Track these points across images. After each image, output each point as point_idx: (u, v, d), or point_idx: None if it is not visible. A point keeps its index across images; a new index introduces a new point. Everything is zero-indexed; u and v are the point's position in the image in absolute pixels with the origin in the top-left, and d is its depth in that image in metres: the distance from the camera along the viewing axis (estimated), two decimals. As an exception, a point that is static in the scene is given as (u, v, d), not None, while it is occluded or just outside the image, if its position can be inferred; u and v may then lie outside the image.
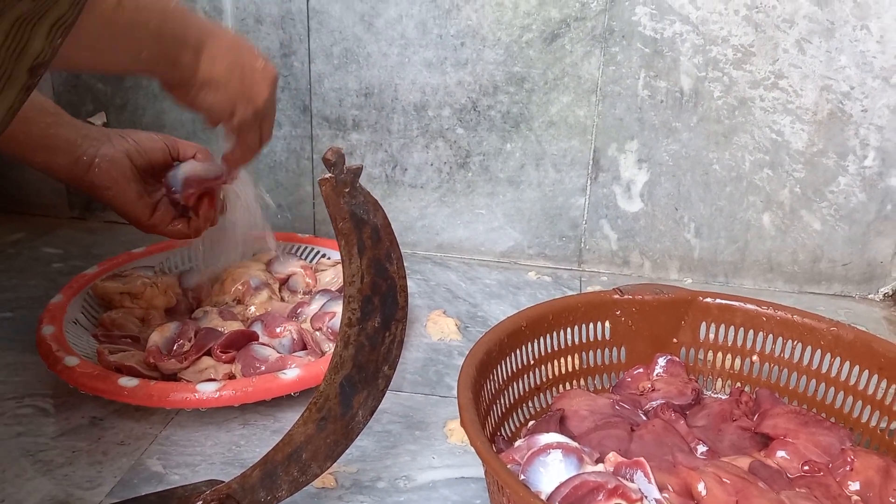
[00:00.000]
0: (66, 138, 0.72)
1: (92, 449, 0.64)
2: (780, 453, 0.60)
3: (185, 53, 0.60)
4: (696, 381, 0.70)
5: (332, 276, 0.88)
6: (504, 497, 0.47)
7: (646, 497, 0.50)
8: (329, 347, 0.76)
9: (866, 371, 0.64)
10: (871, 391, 0.63)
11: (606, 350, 0.70)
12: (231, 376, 0.70)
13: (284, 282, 0.88)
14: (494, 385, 0.61)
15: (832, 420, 0.64)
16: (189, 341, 0.73)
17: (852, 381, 0.65)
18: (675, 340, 0.71)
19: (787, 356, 0.68)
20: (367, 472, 0.63)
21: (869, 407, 0.64)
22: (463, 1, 0.93)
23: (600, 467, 0.53)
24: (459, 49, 0.95)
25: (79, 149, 0.72)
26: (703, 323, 0.71)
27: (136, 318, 0.79)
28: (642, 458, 0.52)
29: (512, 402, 0.64)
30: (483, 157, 0.99)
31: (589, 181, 0.98)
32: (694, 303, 0.70)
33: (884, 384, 0.63)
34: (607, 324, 0.70)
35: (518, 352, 0.64)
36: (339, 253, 0.52)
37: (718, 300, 0.70)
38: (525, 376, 0.65)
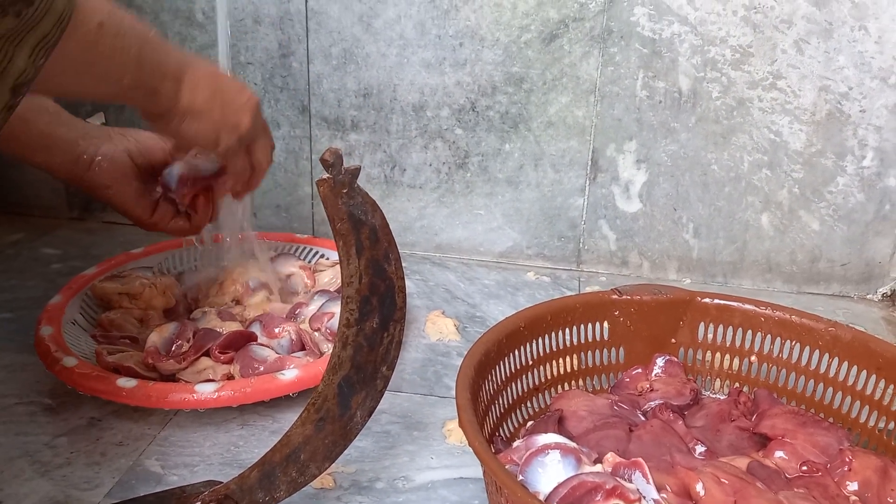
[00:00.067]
0: (66, 137, 0.72)
1: (90, 449, 0.64)
2: (779, 453, 0.60)
3: (166, 82, 0.60)
4: (695, 382, 0.70)
5: (331, 277, 0.88)
6: (502, 497, 0.47)
7: (644, 497, 0.50)
8: (328, 348, 0.76)
9: (864, 371, 0.64)
10: (869, 391, 0.64)
11: (605, 350, 0.70)
12: (229, 377, 0.70)
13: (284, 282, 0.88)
14: (493, 385, 0.61)
15: (830, 420, 0.64)
16: (187, 342, 0.73)
17: (850, 382, 0.65)
18: (673, 341, 0.71)
19: (785, 356, 0.68)
20: (366, 472, 0.63)
21: (867, 407, 0.64)
22: (461, 1, 0.93)
23: (598, 468, 0.53)
24: (458, 49, 0.95)
25: (79, 148, 0.72)
26: (702, 323, 0.71)
27: (135, 319, 0.79)
28: (640, 459, 0.52)
29: (510, 402, 0.64)
30: (482, 158, 0.99)
31: (587, 181, 0.98)
32: (692, 303, 0.70)
33: (882, 384, 0.63)
34: (606, 324, 0.70)
35: (516, 352, 0.64)
36: (337, 253, 0.52)
37: (717, 300, 0.70)
38: (523, 377, 0.65)
